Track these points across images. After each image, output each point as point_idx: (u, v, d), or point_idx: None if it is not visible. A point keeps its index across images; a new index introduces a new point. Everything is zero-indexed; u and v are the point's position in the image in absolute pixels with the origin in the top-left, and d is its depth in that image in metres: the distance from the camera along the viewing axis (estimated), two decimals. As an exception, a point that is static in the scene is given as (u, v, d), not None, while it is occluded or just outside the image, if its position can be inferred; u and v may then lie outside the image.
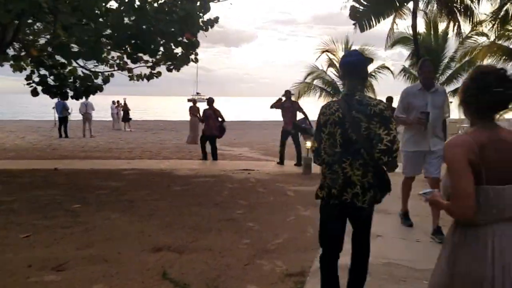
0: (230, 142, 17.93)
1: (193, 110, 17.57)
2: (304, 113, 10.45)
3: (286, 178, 8.82)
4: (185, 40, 7.62)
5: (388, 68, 19.16)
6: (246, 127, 29.52)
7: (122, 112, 26.73)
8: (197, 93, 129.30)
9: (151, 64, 11.26)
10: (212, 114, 11.47)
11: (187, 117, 17.30)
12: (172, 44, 7.77)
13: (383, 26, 20.08)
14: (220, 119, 11.54)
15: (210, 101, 11.79)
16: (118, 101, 26.06)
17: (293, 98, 11.01)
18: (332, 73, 19.00)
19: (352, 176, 2.77)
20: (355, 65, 2.92)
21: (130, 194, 7.03)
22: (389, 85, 18.91)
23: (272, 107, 10.65)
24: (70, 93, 12.69)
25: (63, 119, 19.26)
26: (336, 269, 2.97)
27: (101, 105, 34.64)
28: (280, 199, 6.94)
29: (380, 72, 19.03)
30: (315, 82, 18.86)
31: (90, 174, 8.98)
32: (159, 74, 12.06)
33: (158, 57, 8.94)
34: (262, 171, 9.72)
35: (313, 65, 18.91)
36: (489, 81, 1.91)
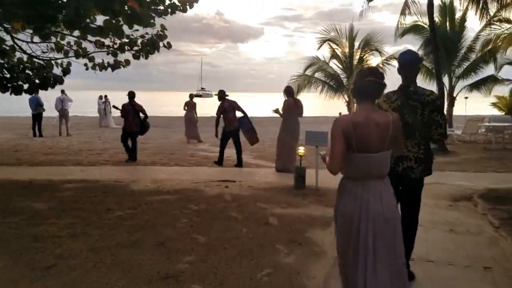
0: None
1: (189, 106, 15.90)
2: (243, 111, 10.02)
3: (272, 194, 6.83)
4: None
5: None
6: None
7: (110, 108, 24.84)
8: (202, 88, 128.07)
9: (112, 49, 9.37)
10: (132, 109, 10.51)
11: (183, 113, 16.37)
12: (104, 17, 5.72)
13: (389, 22, 17.98)
14: (142, 115, 10.72)
15: (131, 95, 10.67)
16: (105, 96, 24.06)
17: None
18: (335, 64, 16.98)
19: (408, 152, 3.40)
20: (412, 61, 3.54)
21: (46, 224, 5.04)
22: (396, 79, 17.05)
23: (217, 115, 9.90)
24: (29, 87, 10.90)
25: (37, 116, 17.32)
26: None
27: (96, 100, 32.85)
28: (256, 231, 4.94)
29: (388, 64, 16.93)
30: (316, 75, 16.81)
31: (21, 188, 7.03)
32: (127, 63, 10.14)
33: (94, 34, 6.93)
34: (245, 182, 7.75)
35: (314, 56, 16.86)
36: (364, 73, 2.70)
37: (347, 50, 16.51)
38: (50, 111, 19.32)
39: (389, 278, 2.53)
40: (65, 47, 9.54)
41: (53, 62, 9.98)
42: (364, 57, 16.60)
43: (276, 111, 9.15)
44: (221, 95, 10.14)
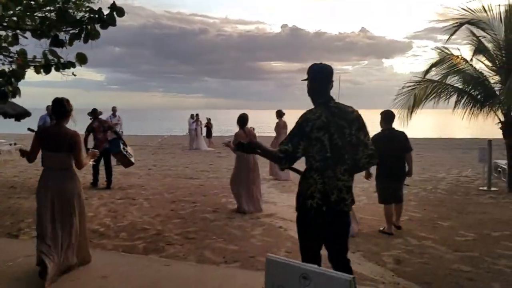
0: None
1: (278, 127, 11.71)
2: (116, 132, 10.01)
3: None
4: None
5: None
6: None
7: (203, 128, 22.13)
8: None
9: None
10: (101, 126, 9.86)
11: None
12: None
13: None
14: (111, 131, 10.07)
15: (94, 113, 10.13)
16: (197, 115, 21.14)
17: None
18: (481, 62, 10.66)
19: (337, 181, 2.82)
20: (325, 72, 3.03)
21: None
22: None
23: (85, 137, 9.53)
24: None
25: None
26: None
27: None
28: None
29: None
30: (449, 79, 10.71)
31: None
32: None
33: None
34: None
35: (442, 47, 10.82)
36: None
37: (502, 37, 10.17)
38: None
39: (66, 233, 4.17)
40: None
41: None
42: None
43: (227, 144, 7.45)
44: (95, 114, 9.94)
